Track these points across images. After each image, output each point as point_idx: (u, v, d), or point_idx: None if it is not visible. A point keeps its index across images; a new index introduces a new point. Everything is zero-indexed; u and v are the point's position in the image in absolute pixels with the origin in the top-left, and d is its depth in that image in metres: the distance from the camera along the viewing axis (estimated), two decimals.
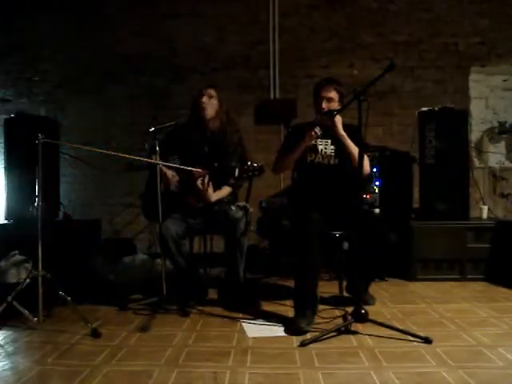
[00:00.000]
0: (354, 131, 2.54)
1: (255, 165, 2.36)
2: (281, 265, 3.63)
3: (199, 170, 2.60)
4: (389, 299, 2.94)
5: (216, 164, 2.67)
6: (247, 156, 2.83)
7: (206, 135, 2.85)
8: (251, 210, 2.77)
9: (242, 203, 2.83)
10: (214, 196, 2.73)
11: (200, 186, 2.63)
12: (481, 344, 2.10)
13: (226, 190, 2.79)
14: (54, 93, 4.39)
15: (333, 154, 2.79)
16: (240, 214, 2.70)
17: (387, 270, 3.42)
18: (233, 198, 2.89)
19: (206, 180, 2.63)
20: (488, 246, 3.42)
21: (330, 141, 2.78)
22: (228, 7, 4.33)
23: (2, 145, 3.73)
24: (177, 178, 2.79)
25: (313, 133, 2.60)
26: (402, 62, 4.21)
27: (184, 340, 2.22)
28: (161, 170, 2.67)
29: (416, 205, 3.80)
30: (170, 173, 2.76)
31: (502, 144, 4.25)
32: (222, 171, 2.57)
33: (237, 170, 2.37)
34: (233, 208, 2.75)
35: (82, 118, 4.37)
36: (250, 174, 2.36)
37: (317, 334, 2.20)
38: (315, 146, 2.80)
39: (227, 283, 2.83)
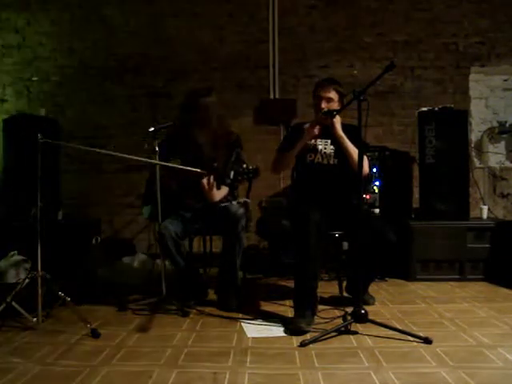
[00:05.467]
0: (353, 131, 2.54)
1: (250, 167, 2.36)
2: (281, 265, 3.63)
3: (199, 170, 2.60)
4: (389, 299, 2.93)
5: (215, 164, 2.67)
6: (244, 158, 2.83)
7: (205, 136, 2.85)
8: (250, 204, 2.77)
9: (242, 199, 2.84)
10: (218, 195, 2.73)
11: (206, 185, 2.63)
12: (481, 344, 2.10)
13: (225, 190, 2.79)
14: (54, 93, 4.39)
15: (332, 153, 2.79)
16: (241, 210, 2.71)
17: (387, 270, 3.42)
18: (232, 196, 2.89)
19: (212, 180, 2.63)
20: (488, 246, 3.42)
21: (329, 141, 2.79)
22: (227, 7, 4.32)
23: None
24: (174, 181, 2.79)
25: (315, 131, 2.61)
26: (402, 62, 4.21)
27: (184, 340, 2.22)
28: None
29: (416, 205, 3.80)
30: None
31: (502, 144, 4.25)
32: (219, 173, 2.57)
33: (232, 173, 2.38)
34: (233, 203, 2.75)
35: (82, 118, 4.37)
36: (245, 176, 2.37)
37: (317, 334, 2.20)
38: (315, 146, 2.80)
39: (222, 283, 2.82)
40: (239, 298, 2.76)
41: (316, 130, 2.64)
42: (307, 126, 2.70)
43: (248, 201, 2.81)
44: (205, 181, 2.62)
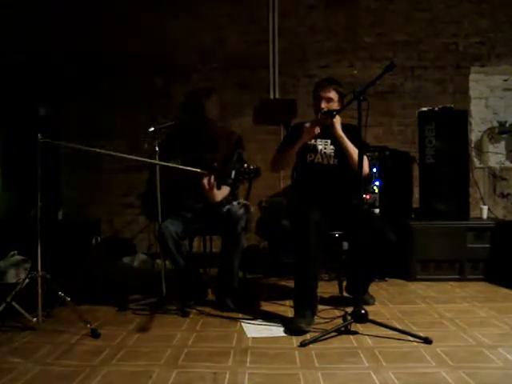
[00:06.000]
0: (353, 131, 2.54)
1: (251, 167, 2.37)
2: (281, 265, 3.63)
3: (199, 170, 2.60)
4: (389, 299, 2.93)
5: (215, 164, 2.67)
6: (245, 158, 2.83)
7: (206, 136, 2.84)
8: (252, 209, 2.77)
9: (242, 201, 2.84)
10: (219, 195, 2.73)
11: (206, 185, 2.63)
12: (481, 344, 2.10)
13: (226, 190, 2.79)
14: (54, 93, 4.38)
15: (332, 153, 2.79)
16: (241, 211, 2.70)
17: (387, 270, 3.42)
18: (233, 196, 2.89)
19: (212, 180, 2.63)
20: (488, 246, 3.41)
21: (329, 141, 2.79)
22: (228, 7, 4.32)
23: None
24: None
25: (315, 130, 2.61)
26: (402, 62, 4.21)
27: (184, 340, 2.22)
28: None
29: (416, 205, 3.80)
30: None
31: (502, 144, 4.25)
32: (220, 173, 2.57)
33: (233, 172, 2.38)
34: (234, 204, 2.75)
35: (82, 118, 4.37)
36: (246, 176, 2.37)
37: (317, 334, 2.20)
38: (315, 146, 2.80)
39: (221, 284, 2.82)
40: (237, 299, 2.76)
41: (316, 130, 2.64)
42: (307, 125, 2.69)
43: (248, 203, 2.80)
44: (205, 181, 2.62)
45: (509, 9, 4.22)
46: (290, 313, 2.60)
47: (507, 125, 4.17)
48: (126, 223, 4.34)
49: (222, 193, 2.75)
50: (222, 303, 2.73)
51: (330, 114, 2.58)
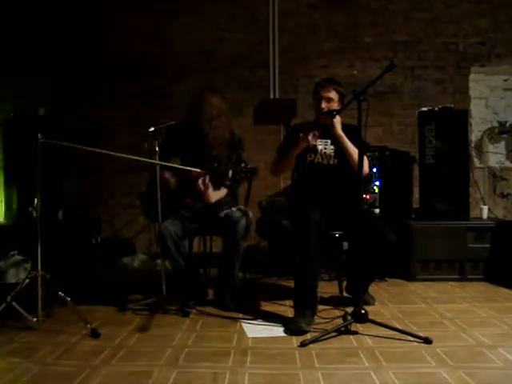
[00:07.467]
0: (353, 131, 2.54)
1: (248, 167, 2.38)
2: (281, 265, 3.63)
3: (198, 170, 2.60)
4: (389, 299, 2.93)
5: (215, 164, 2.67)
6: (245, 159, 2.83)
7: (205, 137, 2.84)
8: (251, 215, 2.77)
9: (242, 207, 2.83)
10: (214, 196, 2.73)
11: (201, 186, 2.63)
12: (481, 344, 2.10)
13: (223, 191, 2.79)
14: (54, 93, 4.38)
15: (332, 154, 2.79)
16: (241, 217, 2.69)
17: (387, 270, 3.42)
18: (233, 200, 2.88)
19: (207, 181, 2.63)
20: (488, 246, 3.42)
21: (329, 141, 2.79)
22: (228, 7, 4.32)
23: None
24: (173, 179, 2.80)
25: (310, 138, 2.58)
26: (402, 62, 4.21)
27: (184, 340, 2.22)
28: (161, 174, 2.67)
29: (416, 205, 3.80)
30: (168, 174, 2.76)
31: (502, 144, 4.25)
32: (218, 173, 2.57)
33: (230, 172, 2.38)
34: (233, 210, 2.75)
35: (82, 118, 4.37)
36: (243, 175, 2.38)
37: (317, 334, 2.20)
38: (315, 146, 2.80)
39: (220, 284, 2.82)
40: (237, 300, 2.76)
41: (310, 137, 2.59)
42: (301, 135, 2.63)
43: (248, 210, 2.79)
44: (200, 182, 2.62)
45: (509, 9, 4.22)
46: (290, 313, 2.60)
47: (507, 125, 4.17)
48: (126, 223, 4.34)
49: (217, 194, 2.74)
50: (222, 303, 2.74)
51: (331, 114, 2.58)
